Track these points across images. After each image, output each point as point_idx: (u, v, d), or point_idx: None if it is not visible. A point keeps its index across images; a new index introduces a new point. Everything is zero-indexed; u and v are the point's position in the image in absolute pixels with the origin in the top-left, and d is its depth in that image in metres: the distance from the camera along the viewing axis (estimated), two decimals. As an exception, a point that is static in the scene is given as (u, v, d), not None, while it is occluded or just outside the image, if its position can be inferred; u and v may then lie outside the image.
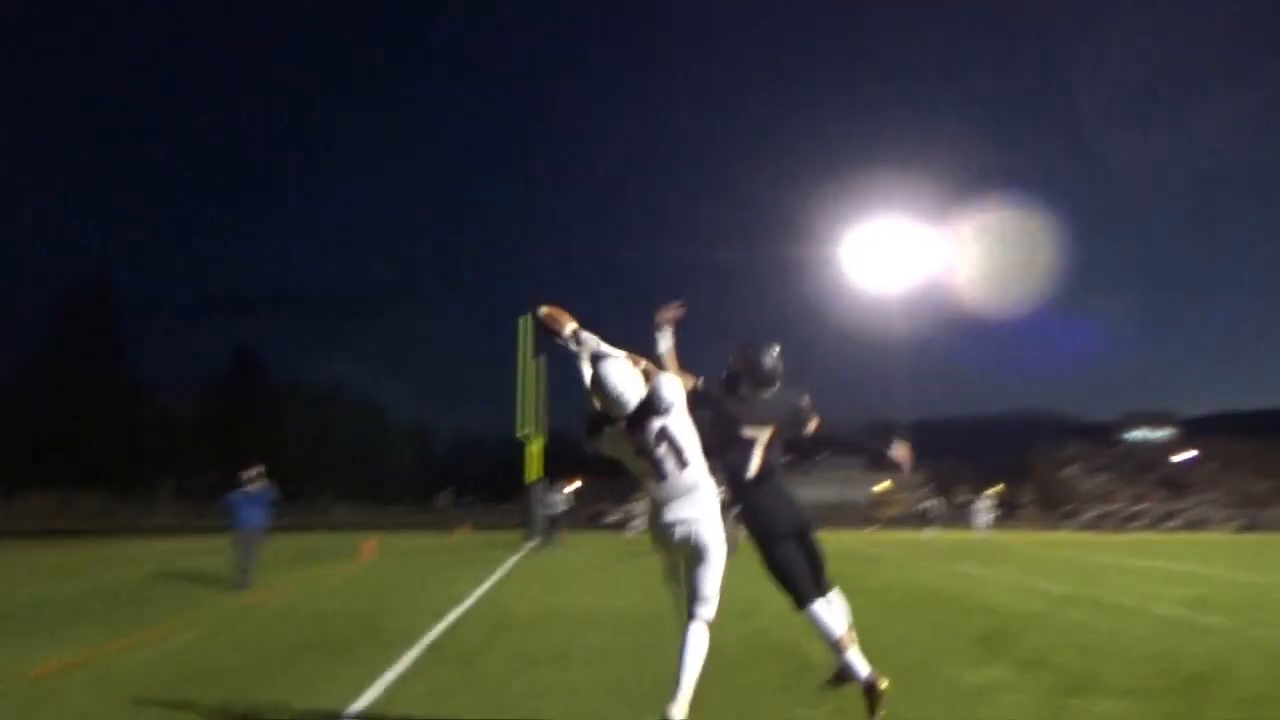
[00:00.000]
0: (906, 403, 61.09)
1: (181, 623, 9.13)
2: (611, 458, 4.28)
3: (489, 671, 6.34)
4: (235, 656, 7.17)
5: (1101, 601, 10.49)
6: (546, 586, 12.76)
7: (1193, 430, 60.59)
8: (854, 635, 4.38)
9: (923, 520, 38.96)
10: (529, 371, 32.13)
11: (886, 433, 5.06)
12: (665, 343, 4.55)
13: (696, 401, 4.39)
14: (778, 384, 4.56)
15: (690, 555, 4.09)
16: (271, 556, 14.82)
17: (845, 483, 58.43)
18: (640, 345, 4.41)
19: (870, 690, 4.02)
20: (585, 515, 40.33)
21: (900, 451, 4.74)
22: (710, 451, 4.32)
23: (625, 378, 4.10)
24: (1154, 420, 60.43)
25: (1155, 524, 44.54)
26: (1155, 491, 50.55)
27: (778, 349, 4.57)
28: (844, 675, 4.24)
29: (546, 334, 4.42)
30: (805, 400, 4.62)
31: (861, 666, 4.06)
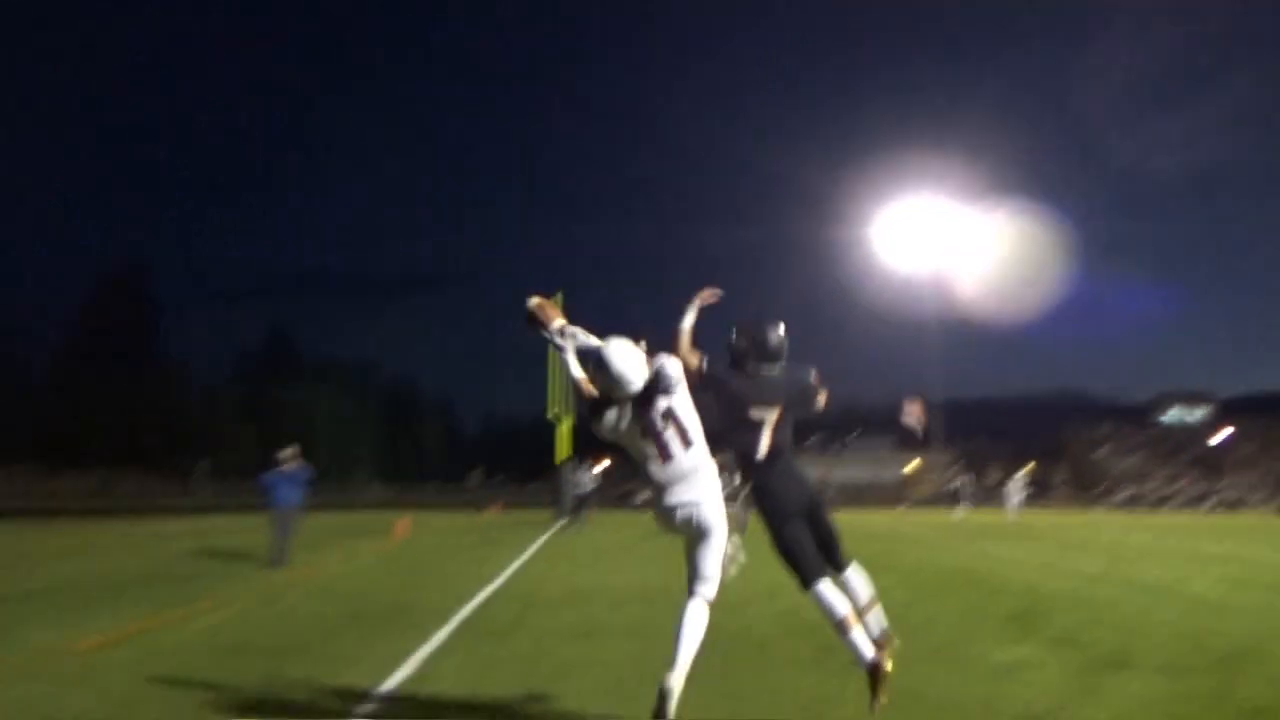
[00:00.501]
0: (938, 382, 60.46)
1: (221, 599, 9.34)
2: (614, 441, 4.26)
3: (521, 647, 6.44)
4: (274, 631, 7.34)
5: (1134, 581, 10.41)
6: (576, 565, 12.88)
7: (1229, 410, 59.50)
8: (877, 607, 4.36)
9: (953, 500, 38.73)
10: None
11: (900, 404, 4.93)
12: (689, 319, 4.53)
13: (701, 383, 4.38)
14: (783, 361, 4.51)
15: (693, 536, 4.11)
16: (307, 534, 15.08)
17: (875, 463, 58.15)
18: (665, 330, 4.41)
19: (874, 672, 3.98)
20: (614, 495, 40.52)
21: (912, 411, 4.67)
22: (719, 434, 4.31)
23: (631, 357, 4.10)
24: (1190, 400, 59.41)
25: (1190, 505, 43.93)
26: (1190, 472, 49.78)
27: (783, 326, 4.52)
28: (880, 644, 4.22)
29: (532, 326, 4.39)
30: (813, 376, 4.56)
31: (866, 648, 4.01)
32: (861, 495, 51.49)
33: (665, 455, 4.08)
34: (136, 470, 53.71)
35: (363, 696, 5.05)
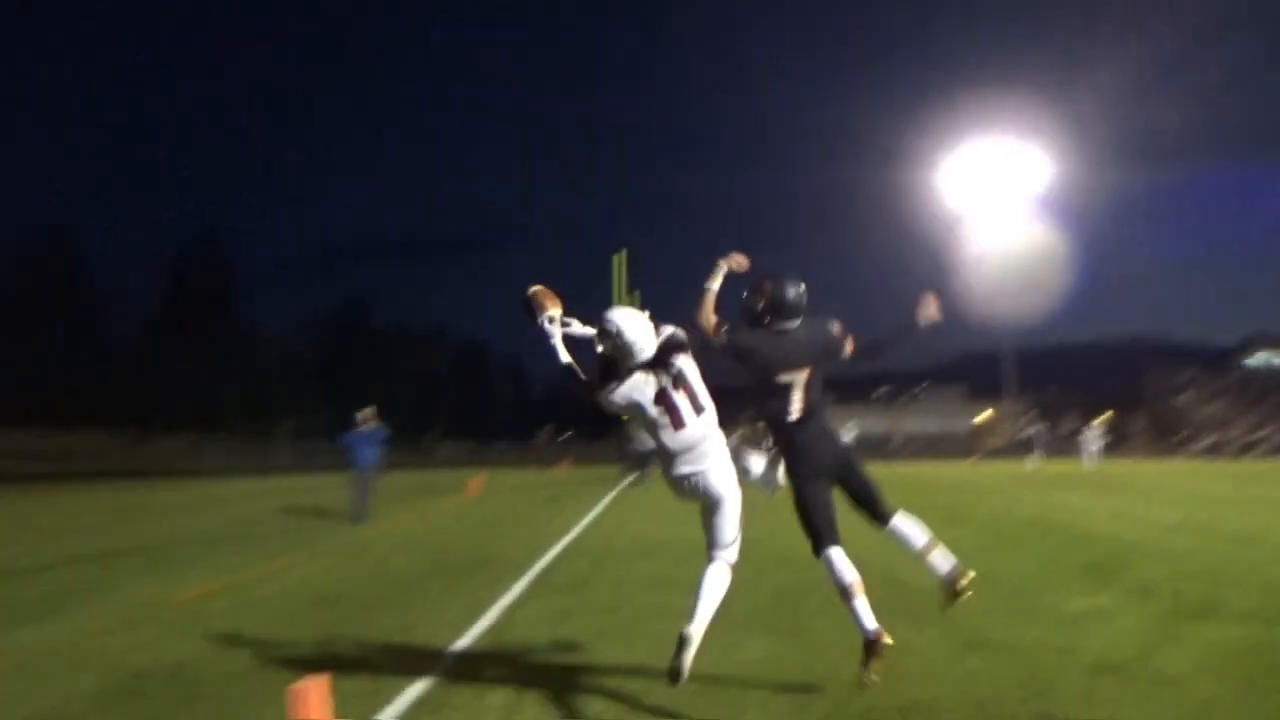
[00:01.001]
0: (1009, 329, 58.89)
1: (307, 554, 9.76)
2: (622, 413, 4.29)
3: (597, 597, 6.63)
4: (360, 584, 7.67)
5: (1216, 530, 10.15)
6: (644, 520, 13.07)
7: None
8: (940, 546, 4.31)
9: (1026, 450, 37.98)
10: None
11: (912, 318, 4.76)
12: (715, 282, 4.41)
13: (723, 349, 4.34)
14: (802, 316, 4.41)
15: (706, 504, 4.17)
16: (385, 492, 15.59)
17: (945, 414, 57.35)
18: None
19: (871, 645, 3.96)
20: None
21: (926, 310, 4.52)
22: (750, 400, 4.30)
23: (640, 324, 4.13)
24: (1277, 343, 57.00)
25: (1275, 453, 42.28)
26: (1276, 418, 47.87)
27: (802, 283, 4.41)
28: (952, 586, 4.23)
29: (527, 313, 4.40)
30: (836, 327, 4.47)
31: (868, 620, 3.98)
32: (932, 447, 50.92)
33: (677, 422, 4.09)
34: (221, 433, 55.82)
35: (450, 642, 5.27)
